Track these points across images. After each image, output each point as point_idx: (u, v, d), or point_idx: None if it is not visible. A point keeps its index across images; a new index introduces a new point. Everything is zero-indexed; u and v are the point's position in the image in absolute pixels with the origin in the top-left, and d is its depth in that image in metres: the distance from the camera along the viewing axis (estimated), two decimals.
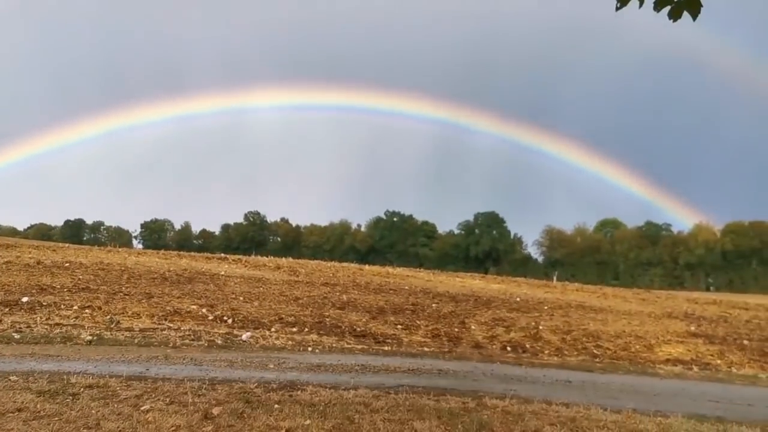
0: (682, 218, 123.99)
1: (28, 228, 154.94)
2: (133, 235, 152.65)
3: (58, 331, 15.00)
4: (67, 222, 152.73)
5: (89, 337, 14.04)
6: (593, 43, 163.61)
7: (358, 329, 19.22)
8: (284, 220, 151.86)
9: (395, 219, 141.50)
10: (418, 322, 21.32)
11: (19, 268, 26.07)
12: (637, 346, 19.82)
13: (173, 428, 6.96)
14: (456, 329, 20.60)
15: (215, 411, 7.58)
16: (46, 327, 15.64)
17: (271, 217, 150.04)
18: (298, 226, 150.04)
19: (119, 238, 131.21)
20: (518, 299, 29.86)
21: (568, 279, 65.44)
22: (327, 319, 20.29)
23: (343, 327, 19.41)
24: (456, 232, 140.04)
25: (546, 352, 18.25)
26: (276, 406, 7.94)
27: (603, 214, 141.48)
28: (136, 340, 14.15)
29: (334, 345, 16.23)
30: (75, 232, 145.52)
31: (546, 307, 27.60)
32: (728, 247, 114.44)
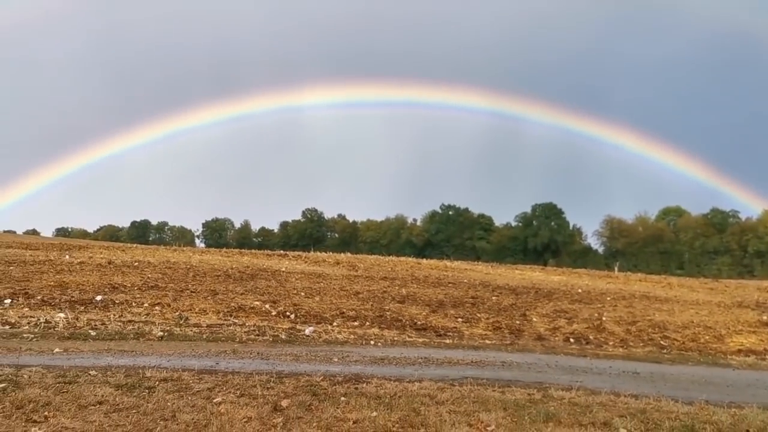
0: (750, 204, 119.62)
1: (98, 230, 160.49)
2: (195, 234, 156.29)
3: (130, 327, 15.56)
4: (133, 223, 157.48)
5: (160, 333, 14.53)
6: (650, 26, 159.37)
7: (419, 323, 19.31)
8: (341, 216, 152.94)
9: (451, 212, 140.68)
10: (478, 315, 21.27)
11: (92, 268, 27.09)
12: (707, 337, 19.31)
13: (245, 420, 7.17)
14: (517, 321, 20.47)
15: (284, 403, 7.77)
16: (119, 324, 16.24)
17: (328, 213, 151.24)
18: (354, 222, 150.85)
19: (182, 237, 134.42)
20: (580, 290, 29.45)
21: (630, 269, 64.08)
22: (387, 313, 20.44)
23: (404, 320, 19.53)
24: (513, 224, 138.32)
25: (610, 343, 17.98)
26: (342, 398, 8.08)
27: (665, 202, 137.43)
28: (204, 336, 14.56)
29: (395, 338, 16.35)
30: (141, 232, 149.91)
31: (609, 298, 27.16)
32: None
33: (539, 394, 8.63)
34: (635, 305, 25.46)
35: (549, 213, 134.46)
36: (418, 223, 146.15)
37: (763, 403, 8.77)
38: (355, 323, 18.94)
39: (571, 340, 18.13)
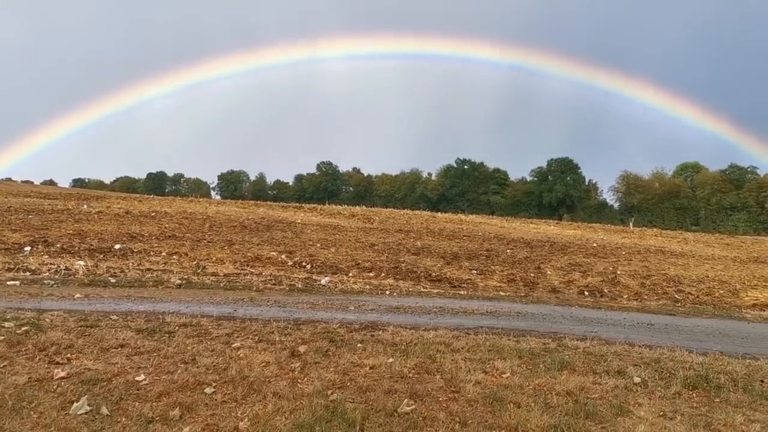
0: None
1: (114, 181, 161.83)
2: (211, 186, 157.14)
3: (149, 275, 15.76)
4: (149, 175, 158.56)
5: (179, 281, 14.72)
6: None
7: (434, 274, 19.42)
8: (356, 170, 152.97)
9: (466, 167, 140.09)
10: (492, 267, 21.35)
11: (110, 217, 27.40)
12: (721, 291, 19.30)
13: (263, 364, 7.29)
14: (531, 274, 20.53)
15: (301, 349, 7.88)
16: (138, 272, 16.46)
17: (343, 167, 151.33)
18: (369, 176, 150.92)
19: (198, 189, 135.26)
20: (595, 244, 29.44)
21: (645, 225, 63.94)
22: (402, 265, 20.56)
23: (419, 272, 19.64)
24: (528, 179, 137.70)
25: (625, 296, 18.01)
26: (359, 344, 8.19)
27: (683, 157, 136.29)
28: (221, 284, 14.73)
29: (410, 289, 16.48)
30: (157, 184, 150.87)
31: (624, 252, 27.14)
32: None
33: (554, 344, 8.69)
34: (650, 259, 25.45)
35: (565, 168, 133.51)
36: (433, 178, 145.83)
37: None
38: (371, 274, 19.08)
39: (586, 293, 18.17)
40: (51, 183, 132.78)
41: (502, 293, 17.04)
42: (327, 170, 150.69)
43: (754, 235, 77.83)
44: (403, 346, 8.16)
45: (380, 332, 8.98)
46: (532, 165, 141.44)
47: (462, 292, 16.53)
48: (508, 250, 25.53)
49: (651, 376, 7.32)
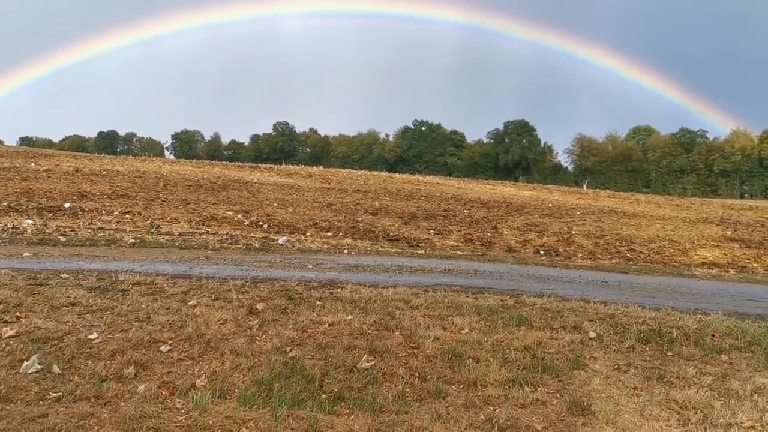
0: (718, 125, 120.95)
1: (63, 140, 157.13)
2: (165, 146, 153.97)
3: (101, 234, 15.39)
4: (100, 133, 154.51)
5: (132, 240, 14.40)
6: None
7: (392, 234, 19.43)
8: (313, 131, 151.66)
9: (423, 128, 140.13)
10: (450, 227, 21.46)
11: (59, 176, 26.62)
12: (672, 250, 19.76)
13: (220, 321, 7.18)
14: (488, 234, 20.71)
15: (259, 306, 7.78)
16: (89, 231, 16.06)
17: (300, 127, 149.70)
18: (326, 137, 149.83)
19: (151, 149, 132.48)
20: (550, 205, 29.82)
21: (599, 187, 65.03)
22: (360, 224, 20.51)
23: (377, 231, 19.63)
24: (485, 141, 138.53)
25: (579, 255, 18.31)
26: (318, 302, 8.12)
27: (636, 121, 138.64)
28: (176, 243, 14.48)
29: (369, 248, 16.46)
30: (108, 143, 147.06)
31: (578, 213, 27.56)
32: (766, 154, 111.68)
33: (512, 300, 8.77)
34: (604, 220, 25.89)
35: (521, 130, 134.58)
36: (391, 139, 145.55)
37: (727, 310, 9.03)
38: (329, 234, 19.00)
39: (541, 252, 18.42)
40: None
41: (459, 252, 17.15)
42: (283, 130, 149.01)
43: (702, 197, 79.92)
44: (363, 304, 8.13)
45: (339, 290, 8.93)
46: (488, 127, 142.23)
47: (420, 252, 16.58)
48: (465, 211, 25.68)
49: (606, 331, 7.44)
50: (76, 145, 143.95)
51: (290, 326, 7.14)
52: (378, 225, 20.71)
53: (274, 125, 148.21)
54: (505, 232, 21.40)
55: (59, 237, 14.26)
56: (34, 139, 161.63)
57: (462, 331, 7.22)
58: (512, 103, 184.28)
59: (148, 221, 17.70)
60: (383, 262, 12.42)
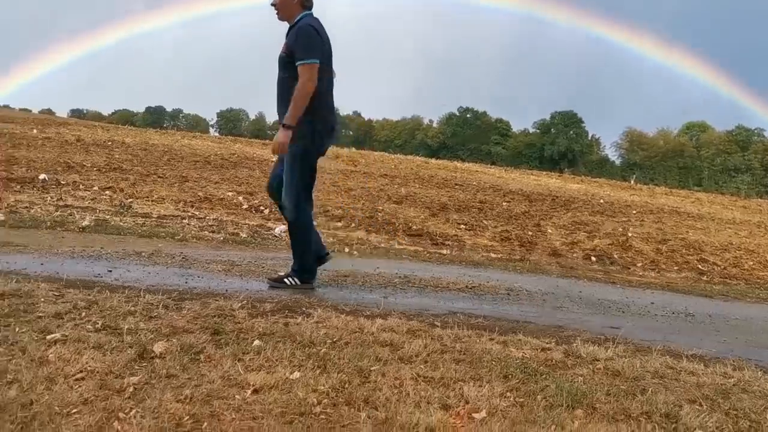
0: None
1: (113, 113, 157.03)
2: (210, 123, 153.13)
3: (57, 213, 12.74)
4: (148, 108, 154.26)
5: (86, 223, 11.68)
6: None
7: (414, 227, 16.42)
8: (356, 114, 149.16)
9: (468, 115, 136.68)
10: (485, 222, 18.37)
11: (56, 144, 24.24)
12: (751, 262, 16.35)
13: (79, 377, 4.36)
14: (529, 232, 17.57)
15: (158, 348, 4.90)
16: (51, 208, 13.46)
17: (344, 110, 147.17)
18: (370, 120, 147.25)
19: (197, 126, 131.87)
20: (601, 201, 26.41)
21: (646, 183, 61.22)
22: (379, 214, 17.56)
23: (397, 224, 16.65)
24: (531, 131, 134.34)
25: (639, 264, 15.08)
26: (255, 342, 5.19)
27: (690, 117, 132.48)
28: (140, 230, 11.71)
29: (381, 245, 13.53)
30: (156, 118, 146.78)
31: (634, 212, 24.16)
32: None
33: (559, 351, 5.69)
34: (665, 221, 22.47)
35: (568, 121, 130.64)
36: (435, 125, 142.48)
37: None
38: (339, 224, 16.09)
39: (593, 258, 15.24)
40: (49, 112, 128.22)
41: (492, 255, 14.10)
42: None
43: (757, 198, 74.91)
44: (325, 348, 5.18)
45: (299, 318, 5.98)
46: (535, 117, 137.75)
47: (444, 252, 13.57)
48: (504, 203, 22.51)
49: (723, 428, 4.37)
50: (124, 119, 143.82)
51: (186, 392, 4.24)
52: (400, 216, 17.74)
53: None
54: (550, 230, 18.23)
55: None
56: (84, 111, 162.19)
57: (475, 417, 4.24)
58: (560, 94, 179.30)
59: (119, 201, 14.99)
60: (387, 269, 9.41)
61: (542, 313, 7.40)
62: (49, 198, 14.78)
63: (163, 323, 5.50)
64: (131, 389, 4.25)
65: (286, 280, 7.42)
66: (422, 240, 15.20)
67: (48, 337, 4.96)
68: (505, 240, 16.46)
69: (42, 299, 5.86)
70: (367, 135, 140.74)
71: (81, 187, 16.53)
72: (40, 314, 5.45)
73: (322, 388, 4.45)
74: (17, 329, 5.09)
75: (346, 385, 4.52)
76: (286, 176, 7.26)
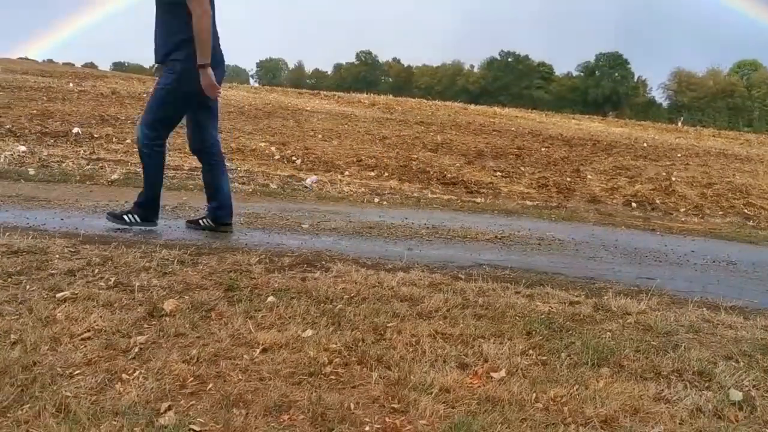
0: None
1: (152, 66, 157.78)
2: (250, 73, 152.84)
3: (89, 167, 12.78)
4: None
5: (115, 176, 11.67)
6: None
7: (449, 176, 16.10)
8: (396, 60, 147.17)
9: (510, 59, 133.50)
10: (522, 168, 17.92)
11: (91, 97, 24.33)
12: None
13: (84, 336, 4.27)
14: (568, 179, 17.09)
15: (168, 306, 4.75)
16: (83, 161, 13.52)
17: (383, 57, 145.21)
18: (409, 67, 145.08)
19: (237, 76, 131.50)
20: (645, 145, 25.56)
21: (696, 125, 59.37)
22: (414, 163, 17.24)
23: (432, 172, 16.35)
24: (574, 74, 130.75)
25: (682, 210, 14.57)
26: (269, 298, 5.03)
27: (739, 55, 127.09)
28: (170, 182, 11.60)
29: (413, 194, 13.26)
30: None
31: (679, 155, 23.32)
32: None
33: (588, 305, 5.39)
34: (711, 164, 21.64)
35: (613, 63, 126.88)
36: (475, 70, 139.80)
37: None
38: (372, 173, 15.87)
39: (633, 204, 14.78)
40: (91, 65, 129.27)
41: (528, 202, 13.74)
42: (366, 60, 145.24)
43: None
44: (340, 304, 4.99)
45: (318, 273, 5.80)
46: (579, 60, 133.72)
47: (478, 200, 13.26)
48: (542, 149, 21.92)
49: (762, 385, 4.08)
50: None
51: (193, 352, 4.11)
52: (435, 164, 17.41)
53: (357, 54, 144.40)
54: (589, 176, 17.70)
55: (28, 170, 11.66)
56: (126, 64, 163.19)
57: (493, 376, 4.02)
58: (605, 35, 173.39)
59: None
60: (415, 219, 9.16)
61: (573, 263, 7.09)
62: (81, 151, 14.85)
63: (176, 279, 5.37)
64: (137, 349, 4.14)
65: (125, 216, 7.05)
66: (456, 188, 14.90)
67: (58, 295, 4.87)
68: (542, 187, 16.04)
69: (57, 256, 5.79)
70: (406, 82, 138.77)
71: (114, 140, 16.55)
72: (53, 271, 5.38)
73: (334, 346, 4.28)
74: (27, 287, 5.03)
75: (360, 344, 4.34)
76: (149, 102, 6.90)
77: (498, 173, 16.97)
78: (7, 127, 16.67)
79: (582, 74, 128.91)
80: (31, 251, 5.83)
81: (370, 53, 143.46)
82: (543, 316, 4.96)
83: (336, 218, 8.76)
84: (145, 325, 4.50)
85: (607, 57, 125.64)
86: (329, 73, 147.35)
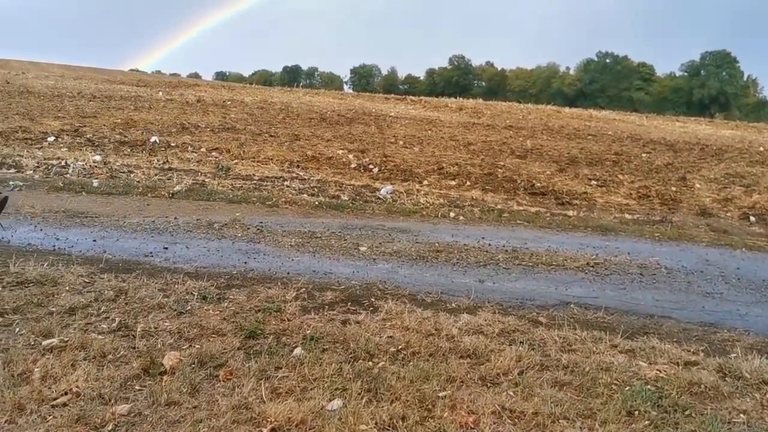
0: None
1: (252, 74, 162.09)
2: (344, 80, 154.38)
3: (156, 178, 12.30)
4: (285, 68, 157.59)
5: (177, 188, 11.05)
6: None
7: (538, 185, 14.74)
8: (489, 64, 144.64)
9: (608, 60, 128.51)
10: (620, 176, 16.30)
11: (176, 106, 24.32)
12: None
13: (63, 397, 3.42)
14: (673, 188, 15.37)
15: (170, 360, 3.86)
16: (153, 171, 13.09)
17: (476, 61, 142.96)
18: (503, 70, 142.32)
19: (331, 83, 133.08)
20: (761, 149, 23.10)
21: None
22: (499, 171, 15.96)
23: (519, 181, 15.03)
24: (677, 74, 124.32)
25: None
26: (297, 349, 4.05)
27: None
28: (233, 194, 10.94)
29: (497, 205, 12.06)
30: (292, 77, 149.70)
31: None
32: None
33: (710, 367, 4.09)
34: None
35: (720, 62, 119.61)
36: (571, 72, 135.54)
37: None
38: (453, 182, 14.72)
39: (751, 217, 13.00)
40: (196, 76, 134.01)
41: (627, 215, 12.27)
42: (459, 64, 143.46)
43: None
44: (383, 361, 3.95)
45: (363, 314, 4.77)
46: (682, 59, 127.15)
47: (570, 213, 11.89)
48: (643, 155, 20.08)
49: None
50: (263, 79, 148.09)
51: (183, 429, 3.17)
52: (523, 172, 16.06)
53: (450, 58, 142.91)
54: (698, 185, 15.89)
55: (93, 182, 11.23)
56: (227, 73, 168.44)
57: None
58: (710, 33, 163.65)
59: (218, 164, 14.36)
60: (494, 239, 7.97)
61: (686, 302, 5.73)
62: (155, 161, 14.48)
63: (191, 322, 4.47)
64: (111, 426, 3.23)
65: None
66: (546, 199, 13.57)
67: (44, 342, 4.06)
68: (643, 197, 14.44)
69: (66, 287, 5.03)
70: (500, 85, 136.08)
71: (189, 148, 16.16)
72: (53, 309, 4.59)
73: (365, 427, 3.23)
74: (17, 329, 4.25)
75: (399, 423, 3.27)
76: None
77: (593, 182, 15.46)
78: (87, 136, 16.60)
79: (686, 74, 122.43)
80: (39, 282, 5.09)
81: (462, 57, 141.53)
82: (649, 387, 3.73)
83: (401, 238, 7.71)
84: (136, 387, 3.61)
85: (713, 55, 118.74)
86: (422, 78, 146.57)
